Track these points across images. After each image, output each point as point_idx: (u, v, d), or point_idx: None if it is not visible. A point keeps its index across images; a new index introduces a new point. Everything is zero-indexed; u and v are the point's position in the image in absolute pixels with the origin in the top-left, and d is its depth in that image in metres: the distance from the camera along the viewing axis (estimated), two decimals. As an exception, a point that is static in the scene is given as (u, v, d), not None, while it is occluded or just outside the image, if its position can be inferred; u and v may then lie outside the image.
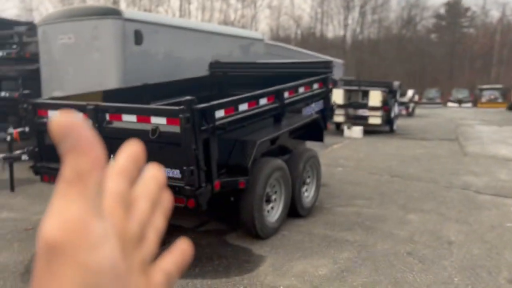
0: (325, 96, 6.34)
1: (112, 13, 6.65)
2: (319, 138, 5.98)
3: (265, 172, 4.48)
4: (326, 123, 6.30)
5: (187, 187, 3.75)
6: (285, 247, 4.47)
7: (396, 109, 15.40)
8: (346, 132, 13.75)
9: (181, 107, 3.67)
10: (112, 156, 0.45)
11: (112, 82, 6.62)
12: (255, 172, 4.39)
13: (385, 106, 13.99)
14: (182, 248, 0.37)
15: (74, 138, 0.26)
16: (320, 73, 6.27)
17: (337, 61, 22.62)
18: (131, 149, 0.33)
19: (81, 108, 4.13)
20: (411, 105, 23.08)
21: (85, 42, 6.82)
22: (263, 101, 4.75)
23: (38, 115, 4.51)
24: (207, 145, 3.86)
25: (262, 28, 51.65)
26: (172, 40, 7.39)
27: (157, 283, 0.33)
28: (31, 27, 8.65)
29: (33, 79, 7.86)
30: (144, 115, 3.94)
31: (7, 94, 8.32)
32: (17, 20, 10.32)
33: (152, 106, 4.59)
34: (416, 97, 26.70)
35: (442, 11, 51.94)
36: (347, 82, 16.17)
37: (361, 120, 14.11)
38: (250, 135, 4.45)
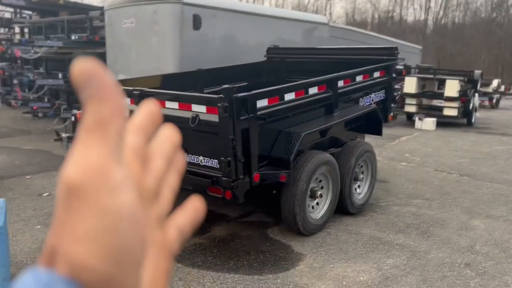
0: (387, 86, 5.90)
1: (172, -3, 6.66)
2: (377, 131, 5.58)
3: (310, 166, 4.23)
4: (387, 115, 5.86)
5: (223, 178, 3.64)
6: (327, 246, 4.22)
7: (476, 101, 14.15)
8: (417, 123, 12.88)
9: (220, 95, 3.54)
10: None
11: (169, 66, 6.68)
12: (299, 166, 4.17)
13: (463, 97, 12.88)
14: (195, 205, 0.39)
15: (95, 85, 0.26)
16: (383, 60, 5.82)
17: (414, 47, 21.28)
18: (149, 108, 0.34)
19: (128, 93, 4.16)
20: (496, 96, 21.13)
21: (145, 26, 6.94)
22: (313, 91, 4.48)
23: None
24: (247, 136, 3.70)
25: (337, 11, 50.11)
26: (231, 24, 7.28)
27: (171, 238, 0.35)
28: (102, 12, 8.99)
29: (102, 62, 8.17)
30: (185, 102, 3.86)
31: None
32: (90, 5, 10.80)
33: (193, 93, 4.49)
34: (502, 88, 24.41)
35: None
36: (422, 70, 15.14)
37: (435, 111, 13.14)
38: (296, 126, 4.22)
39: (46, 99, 9.61)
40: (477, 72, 14.15)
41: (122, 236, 0.26)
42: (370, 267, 3.84)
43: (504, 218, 5.16)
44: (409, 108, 13.49)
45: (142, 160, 0.32)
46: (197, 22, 6.79)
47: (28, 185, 5.80)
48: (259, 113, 3.77)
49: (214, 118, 3.63)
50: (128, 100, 4.24)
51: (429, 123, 12.70)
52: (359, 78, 5.26)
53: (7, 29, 11.52)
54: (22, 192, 5.52)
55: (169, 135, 0.36)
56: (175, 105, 3.93)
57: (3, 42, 10.40)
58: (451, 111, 12.96)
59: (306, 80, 4.46)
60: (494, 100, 20.88)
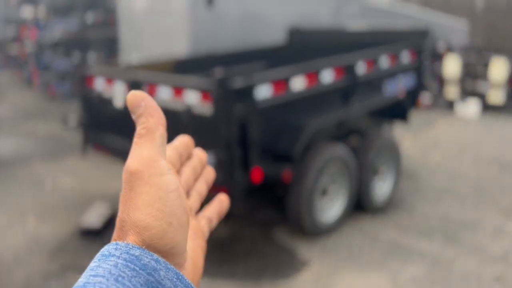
0: (418, 70, 5.27)
1: (183, -26, 6.22)
2: (403, 116, 5.00)
3: (320, 160, 3.76)
4: (415, 101, 5.26)
5: (217, 173, 3.24)
6: (338, 251, 3.77)
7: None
8: (459, 109, 11.95)
9: (212, 80, 3.13)
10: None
11: (182, 49, 6.30)
12: (307, 160, 3.71)
13: (510, 80, 11.80)
14: (221, 199, 0.56)
15: (144, 106, 0.41)
16: (416, 45, 5.19)
17: (459, 23, 19.89)
18: (183, 138, 0.52)
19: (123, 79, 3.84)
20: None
21: (157, 6, 6.56)
22: (326, 74, 3.96)
23: (86, 85, 4.34)
24: (243, 127, 3.28)
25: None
26: (248, 3, 6.79)
27: (202, 225, 0.51)
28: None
29: (115, 44, 7.94)
30: (175, 86, 3.48)
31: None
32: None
33: (181, 78, 4.09)
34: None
35: None
36: (467, 50, 14.02)
37: (480, 97, 12.12)
38: (304, 115, 3.74)
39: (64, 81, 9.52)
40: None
41: (170, 203, 0.38)
42: (384, 276, 3.37)
43: (549, 222, 4.51)
44: (449, 92, 12.54)
45: (175, 168, 0.48)
46: (210, 2, 6.34)
47: (32, 172, 5.64)
48: (259, 99, 3.33)
49: (207, 111, 3.23)
50: (124, 85, 3.92)
51: (472, 109, 11.75)
52: (383, 61, 4.68)
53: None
54: (24, 179, 5.36)
55: (197, 154, 0.53)
56: (168, 91, 3.55)
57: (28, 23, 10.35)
58: (496, 98, 11.91)
59: (317, 61, 3.95)
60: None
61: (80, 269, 3.36)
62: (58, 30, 8.93)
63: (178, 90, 3.44)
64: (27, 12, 10.60)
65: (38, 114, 8.62)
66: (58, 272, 3.32)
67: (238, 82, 3.19)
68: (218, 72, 3.15)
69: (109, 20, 8.39)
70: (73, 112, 7.49)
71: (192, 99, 3.32)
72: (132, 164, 0.38)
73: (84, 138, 4.52)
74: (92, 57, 8.66)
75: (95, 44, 8.77)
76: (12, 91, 10.33)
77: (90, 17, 8.77)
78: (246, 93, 3.26)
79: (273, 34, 7.05)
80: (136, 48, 7.22)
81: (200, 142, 2.82)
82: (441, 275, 3.44)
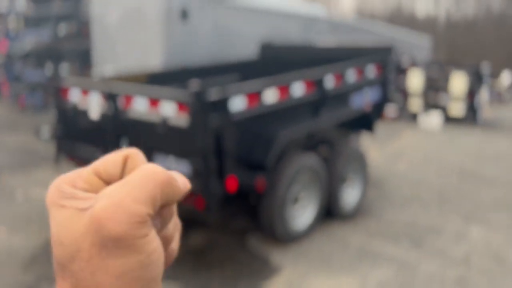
0: (383, 84, 5.55)
1: (157, -12, 6.35)
2: (369, 127, 5.25)
3: (291, 169, 3.92)
4: (380, 113, 5.53)
5: (194, 181, 3.35)
6: (309, 257, 3.92)
7: (484, 96, 13.64)
8: (422, 119, 12.47)
9: (188, 92, 3.25)
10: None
11: (156, 60, 6.40)
12: (278, 169, 3.86)
13: (470, 93, 12.42)
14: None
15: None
16: (381, 60, 5.47)
17: (422, 39, 20.70)
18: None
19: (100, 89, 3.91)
20: (506, 91, 20.48)
21: (132, 17, 6.65)
22: (297, 86, 4.15)
23: (61, 97, 4.37)
24: (219, 137, 3.40)
25: (346, 3, 49.32)
26: (221, 18, 6.96)
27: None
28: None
29: (88, 55, 7.93)
30: (153, 98, 3.57)
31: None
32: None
33: (157, 89, 4.19)
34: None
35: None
36: (428, 64, 14.65)
37: (441, 110, 12.68)
38: (275, 125, 3.90)
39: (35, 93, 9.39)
40: (484, 65, 13.63)
41: (151, 267, 0.34)
42: (354, 280, 3.54)
43: (505, 225, 4.82)
44: (413, 105, 13.06)
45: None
46: (184, 14, 6.48)
47: (2, 183, 5.56)
48: (234, 111, 3.47)
49: (183, 122, 3.34)
50: (99, 96, 3.98)
51: (434, 121, 12.28)
52: (350, 75, 4.92)
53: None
54: (-4, 191, 5.29)
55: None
56: (144, 102, 3.65)
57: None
58: (457, 110, 12.51)
59: (289, 74, 4.13)
60: (504, 96, 20.25)
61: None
62: (30, 41, 8.83)
63: (154, 102, 3.54)
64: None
65: (8, 125, 8.46)
66: (33, 284, 3.32)
67: (213, 95, 3.32)
68: (195, 84, 3.28)
69: (83, 31, 8.39)
70: (46, 123, 7.41)
71: (168, 110, 3.43)
72: (116, 228, 0.32)
73: (58, 149, 4.53)
74: (65, 68, 8.60)
75: (67, 55, 8.73)
76: (-21, 103, 10.08)
77: (63, 28, 8.73)
78: (221, 105, 3.39)
79: (245, 48, 7.24)
80: (110, 59, 7.26)
81: (175, 152, 2.97)
82: (407, 278, 3.64)
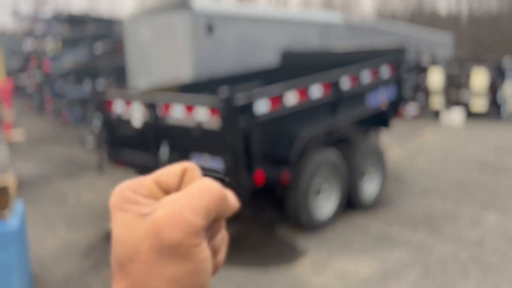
0: (398, 83, 5.91)
1: (185, 6, 6.92)
2: (385, 124, 5.63)
3: (313, 163, 4.36)
4: (396, 110, 5.89)
5: (226, 177, 3.81)
6: (332, 242, 4.33)
7: (507, 92, 13.66)
8: (444, 117, 12.62)
9: (219, 98, 3.73)
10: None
11: (185, 72, 6.95)
12: (302, 164, 4.30)
13: (492, 88, 12.50)
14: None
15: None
16: (395, 60, 5.84)
17: (444, 36, 20.71)
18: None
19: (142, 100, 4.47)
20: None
21: (162, 35, 7.25)
22: (315, 88, 4.58)
23: (106, 109, 4.94)
24: (246, 137, 3.87)
25: (367, 5, 49.28)
26: (244, 30, 7.48)
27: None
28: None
29: (123, 72, 8.59)
30: (188, 104, 4.07)
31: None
32: (113, 18, 11.26)
33: (192, 97, 4.68)
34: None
35: None
36: (448, 62, 14.76)
37: (463, 106, 12.81)
38: (298, 124, 4.34)
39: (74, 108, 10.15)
40: (508, 59, 13.63)
41: (202, 275, 0.37)
42: (373, 261, 3.92)
43: (519, 212, 5.09)
44: (434, 103, 13.22)
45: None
46: (210, 29, 7.02)
47: (54, 190, 6.19)
48: (259, 113, 3.94)
49: (215, 124, 3.82)
50: (141, 106, 4.52)
51: (456, 117, 12.43)
52: (365, 76, 5.31)
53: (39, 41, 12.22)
54: (48, 196, 5.91)
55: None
56: (181, 109, 4.16)
57: (36, 55, 11.03)
58: (479, 106, 12.60)
59: (307, 78, 4.58)
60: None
61: (113, 263, 3.90)
62: (69, 60, 9.60)
63: (189, 108, 4.04)
64: (30, 44, 11.29)
65: (53, 138, 9.22)
66: (93, 268, 3.87)
67: (240, 100, 3.80)
68: (224, 91, 3.75)
69: (117, 49, 9.08)
70: (89, 135, 8.07)
71: (202, 115, 3.92)
72: (174, 235, 0.35)
73: (106, 154, 5.10)
74: (102, 83, 9.29)
75: (104, 72, 9.44)
76: (25, 119, 10.92)
77: (99, 47, 9.46)
78: (247, 108, 3.86)
79: (267, 56, 7.72)
80: (143, 74, 7.87)
81: (209, 151, 3.57)
82: (423, 258, 3.99)
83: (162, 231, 0.35)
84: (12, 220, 2.73)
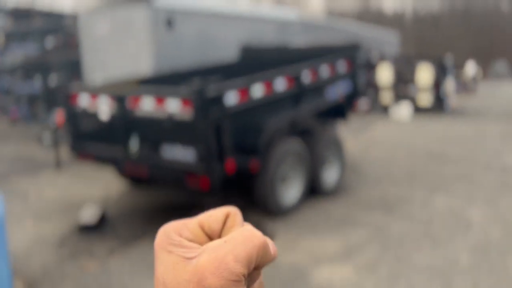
0: (353, 77, 6.28)
1: (144, 1, 6.95)
2: (343, 116, 5.99)
3: (279, 153, 4.60)
4: (352, 103, 6.26)
5: (200, 165, 3.97)
6: (299, 225, 4.59)
7: (449, 87, 14.64)
8: (393, 111, 13.35)
9: (191, 89, 3.88)
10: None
11: (145, 67, 6.98)
12: (268, 153, 4.53)
13: (435, 84, 13.37)
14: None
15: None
16: (350, 56, 6.20)
17: (390, 36, 21.71)
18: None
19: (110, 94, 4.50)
20: (471, 81, 21.60)
21: (120, 29, 7.22)
22: (279, 81, 4.82)
23: (70, 102, 4.93)
24: (218, 127, 4.04)
25: (316, 2, 50.45)
26: (204, 25, 7.60)
27: None
28: (76, 18, 9.24)
29: (77, 66, 8.44)
30: (160, 96, 4.18)
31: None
32: (63, 12, 10.98)
33: (163, 88, 4.79)
34: (479, 72, 24.83)
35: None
36: (396, 59, 15.58)
37: (410, 101, 13.60)
38: (264, 116, 4.57)
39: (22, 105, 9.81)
40: (448, 57, 14.60)
41: None
42: (337, 240, 4.22)
43: (463, 193, 5.60)
44: (384, 98, 13.93)
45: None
46: (170, 24, 7.09)
47: (14, 188, 6.05)
48: (229, 105, 4.11)
49: (187, 115, 3.96)
50: (108, 99, 4.56)
51: (404, 112, 13.18)
52: (323, 71, 5.62)
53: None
54: (8, 193, 5.77)
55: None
56: (151, 101, 4.25)
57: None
58: (424, 100, 13.43)
59: (271, 71, 4.80)
60: (469, 86, 21.35)
61: (90, 254, 3.95)
62: (18, 55, 9.27)
63: (160, 100, 4.15)
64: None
65: (2, 136, 8.87)
66: (69, 257, 3.89)
67: (212, 91, 3.96)
68: (196, 83, 3.90)
69: (69, 43, 8.88)
70: (46, 130, 7.88)
71: (174, 106, 4.05)
72: (216, 282, 0.36)
73: (70, 148, 5.08)
74: (54, 79, 9.07)
75: (56, 67, 9.20)
76: (-30, 117, 10.43)
77: (50, 41, 9.20)
78: (218, 100, 4.03)
79: (226, 51, 7.89)
80: (99, 69, 7.79)
81: (181, 141, 3.77)
82: (381, 235, 4.34)
83: (205, 277, 0.36)
84: (-6, 208, 2.75)
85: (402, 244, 4.13)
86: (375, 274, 3.59)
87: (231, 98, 4.17)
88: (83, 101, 4.83)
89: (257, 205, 4.74)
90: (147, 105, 4.27)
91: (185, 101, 3.93)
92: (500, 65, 34.82)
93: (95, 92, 4.74)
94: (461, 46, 40.75)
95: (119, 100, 4.43)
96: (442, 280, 3.48)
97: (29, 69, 9.40)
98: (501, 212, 4.92)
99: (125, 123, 4.44)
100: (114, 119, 4.53)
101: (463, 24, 44.58)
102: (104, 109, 4.59)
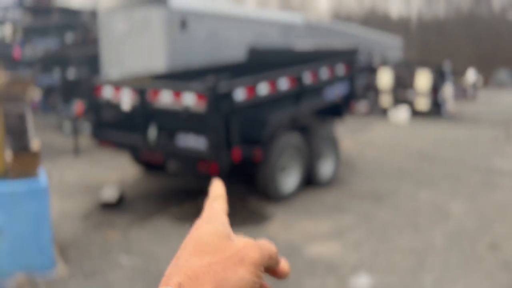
0: (351, 80, 6.82)
1: (161, 3, 7.52)
2: (339, 115, 6.55)
3: (279, 145, 5.15)
4: (349, 103, 6.80)
5: (211, 151, 4.52)
6: (296, 209, 5.15)
7: (447, 92, 15.15)
8: (392, 114, 13.88)
9: (207, 84, 4.43)
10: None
11: (160, 63, 7.54)
12: (270, 145, 5.08)
13: (433, 90, 13.89)
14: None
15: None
16: (348, 60, 6.74)
17: (393, 41, 22.24)
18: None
19: (131, 86, 5.06)
20: (471, 88, 22.04)
21: (137, 28, 7.79)
22: (282, 81, 5.37)
23: (95, 94, 5.49)
24: (227, 120, 4.60)
25: (323, 6, 50.94)
26: (215, 25, 8.16)
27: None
28: (95, 15, 9.81)
29: (95, 61, 9.02)
30: (177, 90, 4.74)
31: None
32: (80, 8, 11.56)
33: (181, 84, 5.34)
34: (479, 80, 25.23)
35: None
36: (396, 64, 16.10)
37: (408, 105, 14.13)
38: (268, 111, 5.12)
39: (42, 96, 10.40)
40: (447, 63, 15.11)
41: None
42: (328, 222, 4.78)
43: (448, 189, 6.14)
44: (383, 101, 14.46)
45: None
46: (183, 24, 7.65)
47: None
48: (237, 100, 4.67)
49: (201, 108, 4.52)
50: (130, 91, 5.12)
51: (402, 115, 13.71)
52: (323, 72, 6.17)
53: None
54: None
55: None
56: (169, 94, 4.81)
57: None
58: (422, 105, 13.96)
59: (276, 72, 5.36)
60: (470, 93, 21.77)
61: (113, 226, 4.52)
62: (38, 49, 9.86)
63: (177, 94, 4.71)
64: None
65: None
66: (94, 227, 4.46)
67: (223, 88, 4.52)
68: (210, 80, 4.45)
69: (88, 39, 9.46)
70: (66, 120, 8.45)
71: (189, 100, 4.60)
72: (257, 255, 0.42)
73: (92, 135, 5.65)
74: (72, 72, 9.65)
75: (74, 61, 9.79)
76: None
77: (70, 36, 9.79)
78: (228, 95, 4.59)
79: (234, 52, 8.45)
80: (116, 64, 8.36)
81: (194, 130, 4.48)
82: (368, 221, 4.90)
83: (253, 255, 0.44)
84: (42, 177, 3.31)
85: (386, 229, 4.68)
86: (360, 251, 4.14)
87: (240, 94, 4.73)
88: (107, 92, 5.39)
89: (259, 191, 5.29)
90: (165, 98, 4.83)
91: (200, 96, 4.49)
92: (502, 74, 35.26)
93: (118, 85, 5.30)
94: (465, 53, 41.26)
95: (141, 92, 4.99)
96: (418, 259, 4.02)
97: (48, 63, 9.98)
98: (479, 206, 5.46)
99: (145, 113, 5.00)
100: (134, 109, 5.09)
101: (468, 31, 45.08)
102: (126, 100, 5.16)
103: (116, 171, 6.59)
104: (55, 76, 9.77)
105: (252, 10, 9.22)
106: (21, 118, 3.30)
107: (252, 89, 4.90)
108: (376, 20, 46.68)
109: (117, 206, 5.01)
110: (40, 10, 11.33)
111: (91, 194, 5.53)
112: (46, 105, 10.27)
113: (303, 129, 5.86)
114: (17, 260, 3.25)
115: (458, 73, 21.28)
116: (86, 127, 7.32)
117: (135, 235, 4.34)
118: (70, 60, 9.82)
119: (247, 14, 9.03)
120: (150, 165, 6.37)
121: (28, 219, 3.25)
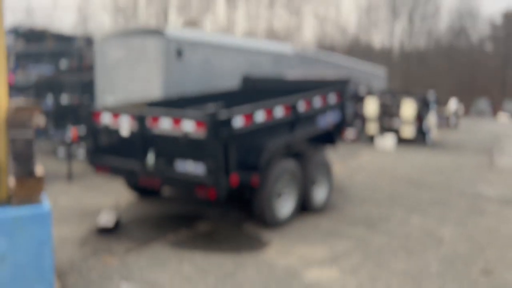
0: (342, 108, 7.03)
1: (157, 33, 7.71)
2: (331, 142, 6.73)
3: (276, 171, 5.26)
4: (340, 131, 6.98)
5: (209, 176, 4.60)
6: (291, 235, 5.22)
7: (431, 121, 15.57)
8: (378, 141, 14.17)
9: (207, 112, 4.55)
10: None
11: (156, 90, 7.67)
12: (267, 171, 5.19)
13: (418, 118, 14.28)
14: None
15: None
16: (340, 89, 6.96)
17: (378, 70, 22.85)
18: None
19: (130, 112, 5.14)
20: (453, 117, 22.68)
21: (134, 56, 7.94)
22: (278, 109, 5.53)
23: (93, 120, 5.56)
24: (226, 146, 4.70)
25: (308, 36, 52.16)
26: (209, 55, 8.37)
27: None
28: (89, 42, 9.96)
29: (89, 87, 9.11)
30: (177, 117, 4.84)
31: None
32: (75, 35, 11.70)
33: (180, 111, 5.45)
34: (461, 109, 25.98)
35: (498, 21, 50.31)
36: (382, 93, 16.54)
37: (394, 133, 14.46)
38: (264, 138, 5.25)
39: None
40: (430, 93, 15.61)
41: None
42: (324, 248, 4.85)
43: (437, 215, 6.29)
44: (370, 129, 14.78)
45: None
46: (179, 54, 7.84)
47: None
48: (236, 127, 4.79)
49: (200, 135, 4.62)
50: (129, 118, 5.20)
51: (388, 142, 14.01)
52: (316, 101, 6.36)
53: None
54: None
55: None
56: (169, 121, 4.91)
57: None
58: (408, 133, 14.32)
59: (272, 101, 5.53)
60: (451, 121, 22.44)
61: (110, 252, 4.51)
62: (32, 74, 9.91)
63: (177, 121, 4.82)
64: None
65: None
66: (92, 254, 4.45)
67: (223, 115, 4.64)
68: (210, 107, 4.57)
69: (83, 65, 9.56)
70: (60, 145, 8.44)
71: (189, 126, 4.71)
72: None
73: (89, 160, 5.68)
74: (65, 98, 9.70)
75: (68, 87, 9.85)
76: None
77: (64, 63, 9.88)
78: (227, 122, 4.71)
79: (228, 80, 8.64)
80: (110, 91, 8.46)
81: (193, 157, 4.65)
82: (363, 246, 4.99)
83: None
84: (45, 202, 3.34)
85: (381, 254, 4.77)
86: (358, 276, 4.22)
87: (238, 121, 4.86)
88: (105, 118, 5.46)
89: (255, 217, 5.36)
90: (165, 124, 4.92)
91: (199, 123, 4.60)
92: (482, 103, 36.36)
93: (117, 112, 5.38)
94: (446, 83, 42.44)
95: (140, 119, 5.08)
96: (414, 282, 4.12)
97: (41, 88, 10.02)
98: (469, 231, 5.61)
99: (143, 139, 5.08)
100: (133, 135, 5.17)
101: (448, 61, 46.56)
102: (125, 126, 5.24)
103: (110, 196, 6.59)
104: (48, 101, 9.80)
105: (244, 40, 9.48)
106: (28, 144, 3.35)
107: (249, 116, 5.04)
108: (359, 51, 47.96)
109: (114, 231, 5.01)
110: (33, 36, 11.44)
111: (86, 219, 5.52)
112: (38, 130, 10.25)
113: (298, 156, 5.99)
114: (18, 287, 3.23)
115: (441, 103, 21.93)
116: (80, 152, 7.35)
117: (133, 261, 4.34)
118: (63, 86, 9.88)
119: (240, 44, 9.28)
120: (144, 190, 6.40)
121: (31, 245, 3.25)
